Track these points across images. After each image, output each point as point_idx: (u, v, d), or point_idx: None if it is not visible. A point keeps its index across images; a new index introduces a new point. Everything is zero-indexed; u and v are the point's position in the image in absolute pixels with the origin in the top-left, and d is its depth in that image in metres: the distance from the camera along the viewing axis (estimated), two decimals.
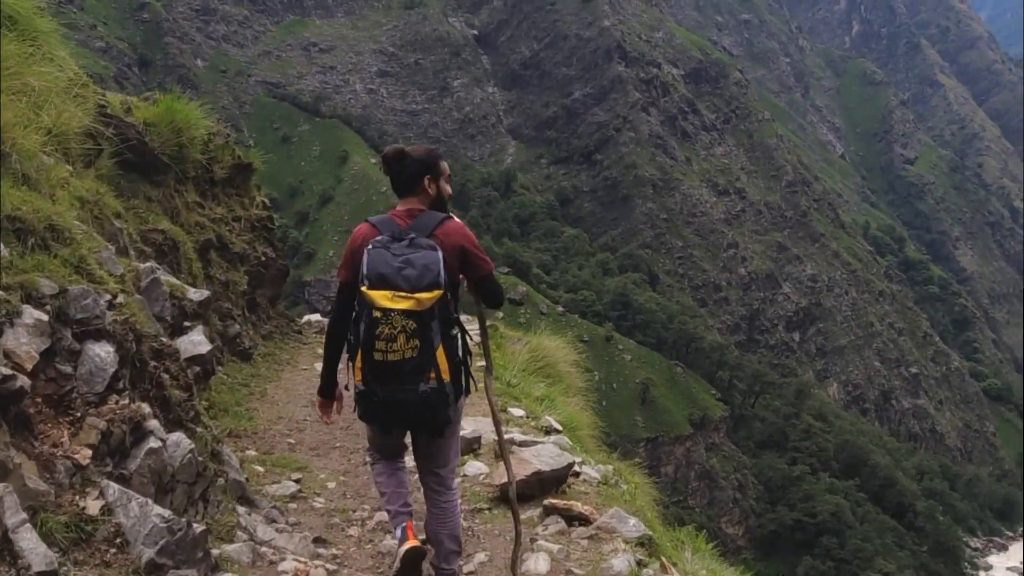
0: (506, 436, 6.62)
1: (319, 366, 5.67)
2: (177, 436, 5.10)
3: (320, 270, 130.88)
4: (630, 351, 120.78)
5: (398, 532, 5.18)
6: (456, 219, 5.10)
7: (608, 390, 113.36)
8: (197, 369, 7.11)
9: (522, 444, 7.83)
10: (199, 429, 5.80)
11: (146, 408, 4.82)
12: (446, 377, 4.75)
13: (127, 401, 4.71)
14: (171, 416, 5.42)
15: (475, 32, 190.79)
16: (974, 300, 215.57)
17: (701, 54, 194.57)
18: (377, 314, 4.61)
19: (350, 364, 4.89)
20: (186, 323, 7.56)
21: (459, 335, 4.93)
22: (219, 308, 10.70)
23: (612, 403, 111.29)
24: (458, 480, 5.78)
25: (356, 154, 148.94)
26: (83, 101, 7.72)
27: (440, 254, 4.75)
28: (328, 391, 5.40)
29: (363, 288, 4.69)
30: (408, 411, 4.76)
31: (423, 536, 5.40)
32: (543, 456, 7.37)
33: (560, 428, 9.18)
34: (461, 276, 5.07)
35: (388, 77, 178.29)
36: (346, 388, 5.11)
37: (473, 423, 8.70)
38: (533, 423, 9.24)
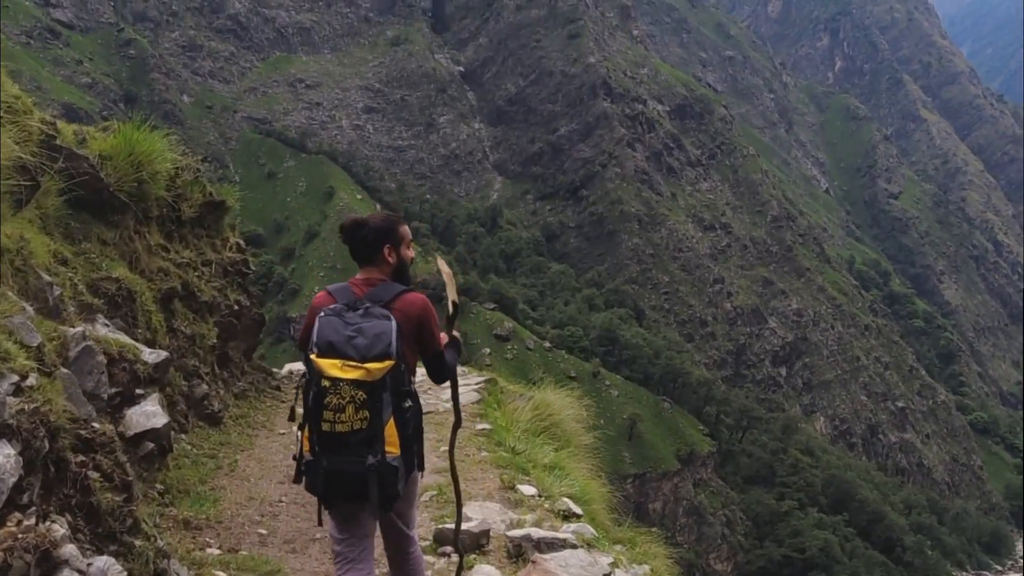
0: (522, 532, 7.16)
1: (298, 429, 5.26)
2: (103, 562, 4.08)
3: (305, 306, 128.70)
4: (617, 386, 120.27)
5: None
6: (417, 293, 5.03)
7: (596, 425, 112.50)
8: (151, 446, 6.56)
9: (543, 544, 6.82)
10: (138, 542, 4.79)
11: (59, 529, 3.84)
12: (395, 451, 4.59)
13: (33, 521, 3.76)
14: (100, 530, 4.45)
15: (461, 68, 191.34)
16: (959, 333, 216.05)
17: (686, 90, 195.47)
18: (326, 383, 4.47)
19: (299, 433, 4.73)
20: (139, 391, 6.80)
21: (412, 408, 4.76)
22: (184, 366, 9.73)
23: (599, 439, 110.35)
24: (417, 535, 5.43)
25: (342, 190, 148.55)
26: (21, 129, 6.76)
27: (393, 323, 4.64)
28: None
29: (312, 356, 4.56)
30: (352, 483, 4.57)
31: None
32: (572, 567, 6.46)
33: (579, 511, 8.11)
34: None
35: (374, 113, 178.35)
36: (294, 458, 4.87)
37: (479, 510, 7.68)
38: (547, 504, 8.25)
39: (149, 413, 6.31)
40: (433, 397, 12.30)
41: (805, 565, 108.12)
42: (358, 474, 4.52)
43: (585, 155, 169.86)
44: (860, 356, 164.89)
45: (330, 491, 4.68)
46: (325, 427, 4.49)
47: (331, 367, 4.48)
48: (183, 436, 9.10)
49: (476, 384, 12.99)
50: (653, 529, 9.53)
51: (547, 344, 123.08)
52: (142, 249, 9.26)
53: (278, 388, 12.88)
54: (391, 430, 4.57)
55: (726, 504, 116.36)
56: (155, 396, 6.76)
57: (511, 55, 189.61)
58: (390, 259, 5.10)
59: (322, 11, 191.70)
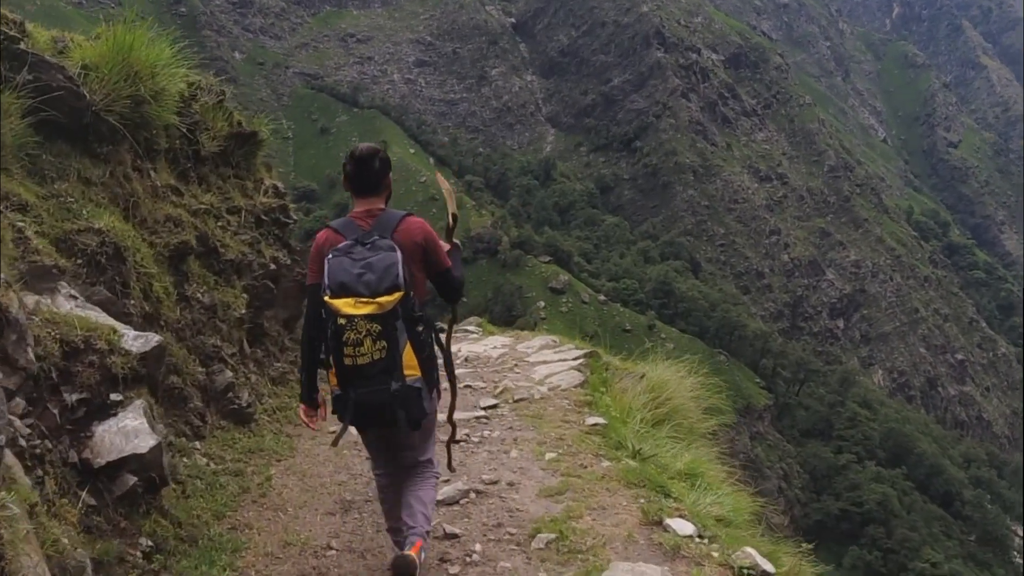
0: None
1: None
2: None
3: None
4: (672, 339, 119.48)
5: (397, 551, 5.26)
6: (415, 216, 5.22)
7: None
8: (132, 481, 4.90)
9: None
10: None
11: None
12: (416, 373, 4.88)
13: None
14: None
15: (512, 20, 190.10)
16: (1020, 284, 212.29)
17: (741, 39, 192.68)
18: (342, 321, 4.72)
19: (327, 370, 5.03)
20: (114, 395, 5.12)
21: (426, 330, 5.04)
22: (200, 346, 7.73)
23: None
24: (437, 470, 5.71)
25: (395, 144, 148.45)
26: None
27: (399, 255, 4.87)
28: (310, 398, 5.40)
29: (326, 297, 4.79)
30: (381, 410, 4.85)
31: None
32: None
33: (771, 570, 5.51)
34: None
35: (426, 67, 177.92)
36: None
37: None
38: (717, 553, 5.54)
39: (129, 431, 4.83)
40: (524, 379, 10.28)
41: (863, 519, 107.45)
42: (384, 402, 4.80)
43: (639, 106, 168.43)
44: (919, 308, 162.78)
45: (361, 420, 4.98)
46: (347, 361, 4.76)
47: (345, 306, 4.72)
48: (197, 446, 7.17)
49: (575, 360, 10.90)
50: None
51: (602, 297, 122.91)
52: (143, 192, 7.29)
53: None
54: (409, 355, 4.83)
55: (783, 457, 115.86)
56: (138, 404, 5.12)
57: (563, 6, 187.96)
58: (389, 187, 5.33)
59: None
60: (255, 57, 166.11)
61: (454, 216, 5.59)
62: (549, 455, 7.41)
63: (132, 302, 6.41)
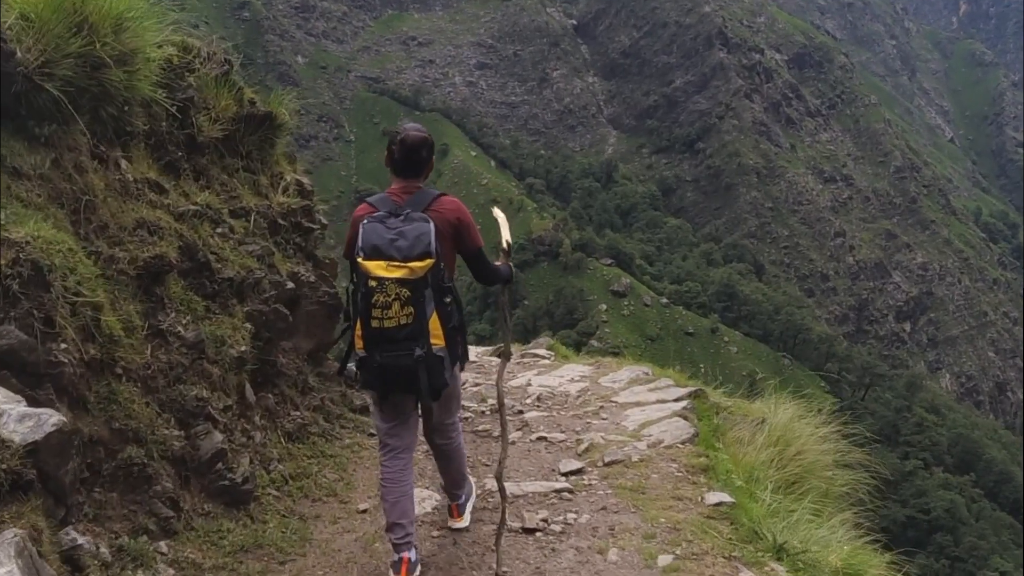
0: None
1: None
2: None
3: None
4: (736, 343, 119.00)
5: (394, 555, 5.23)
6: (451, 196, 5.29)
7: (713, 383, 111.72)
8: None
9: None
10: None
11: None
12: (440, 343, 4.95)
13: None
14: None
15: (573, 22, 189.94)
16: None
17: (804, 38, 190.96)
18: (372, 283, 4.81)
19: (350, 332, 5.13)
20: None
21: (453, 303, 5.11)
22: (178, 399, 5.63)
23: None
24: (459, 425, 5.89)
25: (456, 147, 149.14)
26: None
27: (432, 226, 4.92)
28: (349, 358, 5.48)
29: (359, 259, 4.89)
30: (404, 375, 4.91)
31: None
32: None
33: None
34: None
35: (487, 69, 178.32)
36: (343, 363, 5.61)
37: None
38: None
39: None
40: (614, 428, 7.95)
41: (930, 526, 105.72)
42: (408, 366, 4.86)
43: (701, 107, 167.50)
44: (988, 311, 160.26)
45: (384, 383, 5.04)
46: (374, 324, 4.83)
47: (376, 268, 4.81)
48: (163, 548, 5.04)
49: (677, 401, 8.65)
50: None
51: (664, 300, 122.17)
52: (104, 188, 5.56)
53: (365, 409, 8.30)
54: (435, 324, 4.91)
55: (848, 464, 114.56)
56: (8, 540, 3.25)
57: (624, 7, 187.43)
58: (431, 170, 5.45)
59: None
60: (317, 61, 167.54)
61: (508, 243, 5.81)
62: (663, 558, 5.34)
63: (62, 345, 4.54)
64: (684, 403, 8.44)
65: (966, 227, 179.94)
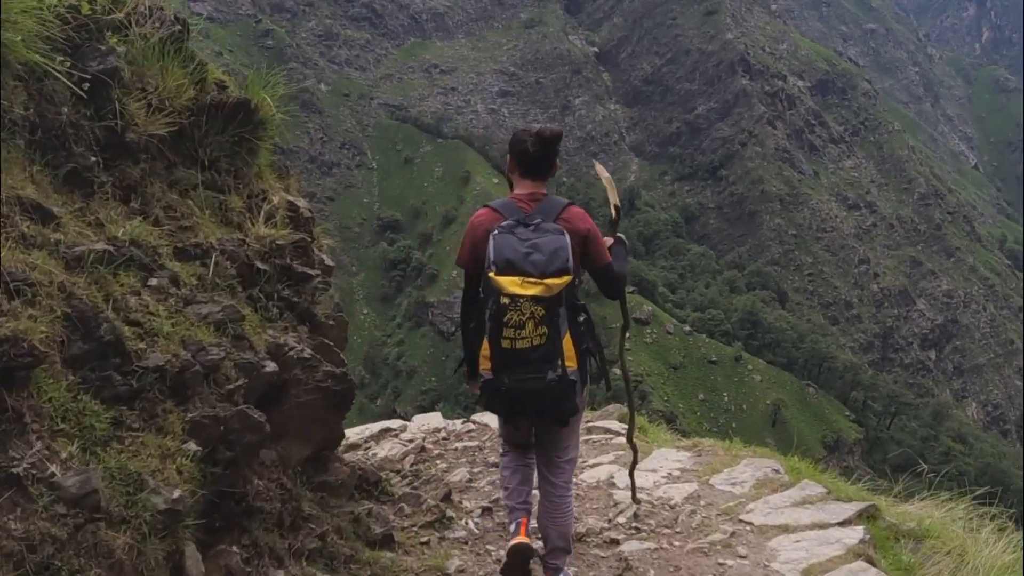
0: None
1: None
2: None
3: (444, 291, 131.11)
4: (760, 371, 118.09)
5: (512, 527, 5.10)
6: (578, 206, 4.94)
7: (738, 411, 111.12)
8: None
9: None
10: None
11: None
12: (573, 365, 4.58)
13: None
14: None
15: (595, 49, 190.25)
16: None
17: (827, 65, 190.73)
18: (505, 300, 4.44)
19: (474, 351, 4.78)
20: None
21: (586, 322, 4.79)
22: None
23: (742, 425, 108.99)
24: (574, 481, 5.49)
25: (478, 174, 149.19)
26: None
27: (567, 238, 4.56)
28: (474, 373, 4.96)
29: (490, 274, 4.52)
30: (534, 400, 4.57)
31: (539, 538, 5.27)
32: None
33: None
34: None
35: (509, 97, 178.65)
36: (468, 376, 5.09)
37: None
38: None
39: None
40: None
41: None
42: (539, 390, 4.50)
43: (724, 134, 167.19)
44: (1014, 339, 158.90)
45: (512, 408, 4.72)
46: (505, 344, 4.47)
47: (511, 284, 4.44)
48: None
49: (845, 527, 5.90)
50: None
51: (687, 328, 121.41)
52: None
53: (388, 540, 5.61)
54: (568, 344, 4.55)
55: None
56: None
57: (646, 34, 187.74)
58: (555, 172, 5.09)
59: None
60: (340, 88, 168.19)
61: (616, 208, 5.42)
62: None
63: None
64: (859, 532, 5.72)
65: (991, 254, 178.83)
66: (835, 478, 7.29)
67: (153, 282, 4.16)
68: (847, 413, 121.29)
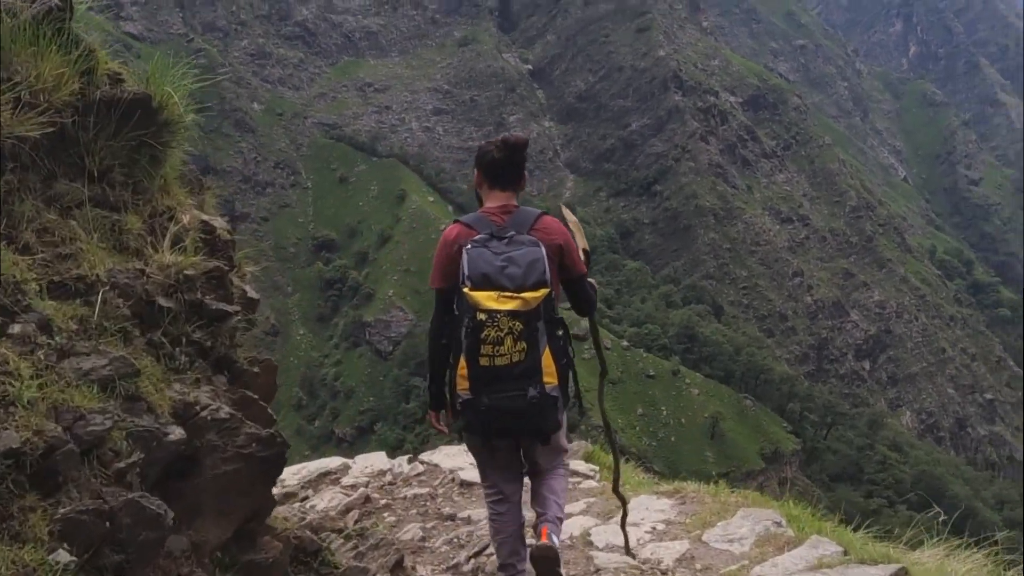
0: None
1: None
2: None
3: (381, 310, 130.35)
4: (697, 385, 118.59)
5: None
6: (551, 215, 4.86)
7: (677, 425, 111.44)
8: None
9: None
10: None
11: None
12: (554, 381, 4.45)
13: None
14: None
15: (530, 67, 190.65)
16: None
17: (758, 81, 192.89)
18: (482, 316, 4.31)
19: (450, 373, 4.59)
20: None
21: (565, 336, 4.64)
22: None
23: (681, 438, 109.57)
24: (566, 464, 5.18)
25: (414, 193, 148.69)
26: None
27: (543, 250, 4.38)
28: (440, 403, 4.90)
29: (465, 289, 4.38)
30: (516, 418, 4.41)
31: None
32: None
33: None
34: None
35: (444, 115, 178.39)
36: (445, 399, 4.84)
37: None
38: None
39: None
40: None
41: None
42: (520, 408, 4.36)
43: (658, 150, 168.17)
44: (946, 348, 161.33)
45: (493, 428, 4.52)
46: (483, 362, 4.32)
47: (487, 299, 4.31)
48: None
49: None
50: None
51: (625, 343, 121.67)
52: None
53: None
54: (548, 360, 4.42)
55: (813, 503, 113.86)
56: None
57: (580, 51, 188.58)
58: (525, 183, 4.96)
59: (389, 14, 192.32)
60: (274, 108, 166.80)
61: (585, 251, 5.18)
62: None
63: None
64: None
65: (922, 265, 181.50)
66: (843, 528, 6.25)
67: (15, 329, 3.14)
68: (784, 424, 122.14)
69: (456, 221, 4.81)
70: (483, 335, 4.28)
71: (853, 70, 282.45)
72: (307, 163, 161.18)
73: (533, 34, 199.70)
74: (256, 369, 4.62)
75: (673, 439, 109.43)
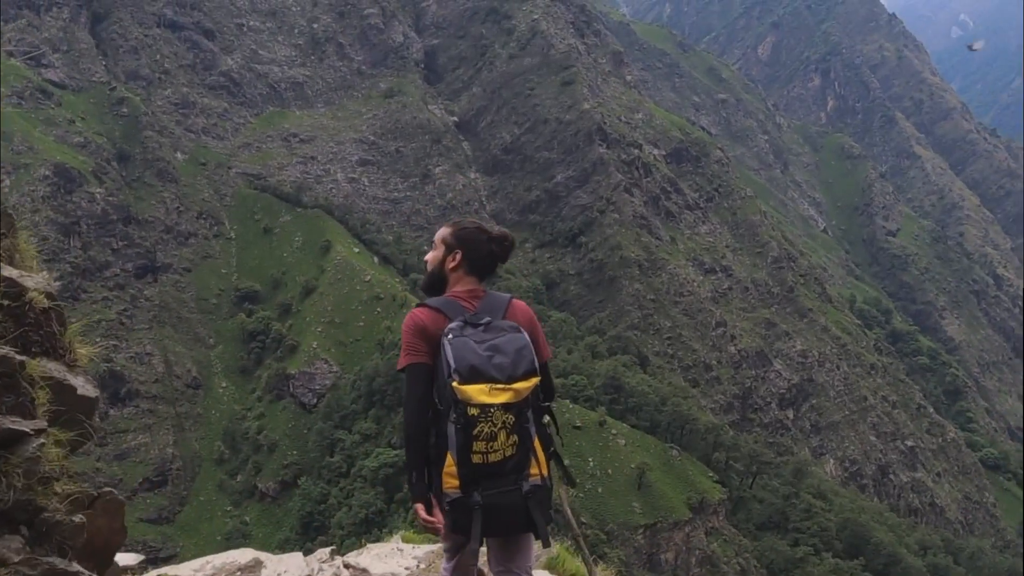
0: None
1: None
2: None
3: (304, 362, 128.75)
4: (624, 435, 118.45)
5: None
6: (519, 299, 4.67)
7: (604, 476, 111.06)
8: None
9: None
10: None
11: None
12: (545, 471, 4.37)
13: None
14: None
15: (455, 119, 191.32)
16: (964, 369, 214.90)
17: (681, 134, 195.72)
18: (474, 411, 4.10)
19: (432, 470, 4.32)
20: None
21: (551, 423, 4.56)
22: None
23: (608, 490, 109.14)
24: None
25: (339, 244, 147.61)
26: None
27: (526, 335, 4.23)
28: (426, 495, 4.54)
29: (454, 384, 4.14)
30: (511, 514, 4.24)
31: None
32: None
33: None
34: None
35: (369, 165, 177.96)
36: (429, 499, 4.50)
37: None
38: None
39: None
40: None
41: None
42: (514, 504, 4.21)
43: (583, 201, 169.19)
44: (867, 396, 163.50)
45: (487, 526, 4.26)
46: (476, 459, 4.13)
47: (479, 393, 4.09)
48: None
49: None
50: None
51: None
52: None
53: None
54: (538, 450, 4.32)
55: (739, 552, 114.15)
56: None
57: (505, 104, 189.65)
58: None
59: (315, 65, 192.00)
60: (197, 157, 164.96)
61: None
62: None
63: None
64: None
65: (842, 314, 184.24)
66: None
67: None
68: (710, 474, 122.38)
69: (422, 305, 4.56)
70: (476, 431, 4.09)
71: (773, 124, 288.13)
72: (231, 213, 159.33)
73: (459, 86, 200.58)
74: (77, 519, 3.07)
75: (600, 490, 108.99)
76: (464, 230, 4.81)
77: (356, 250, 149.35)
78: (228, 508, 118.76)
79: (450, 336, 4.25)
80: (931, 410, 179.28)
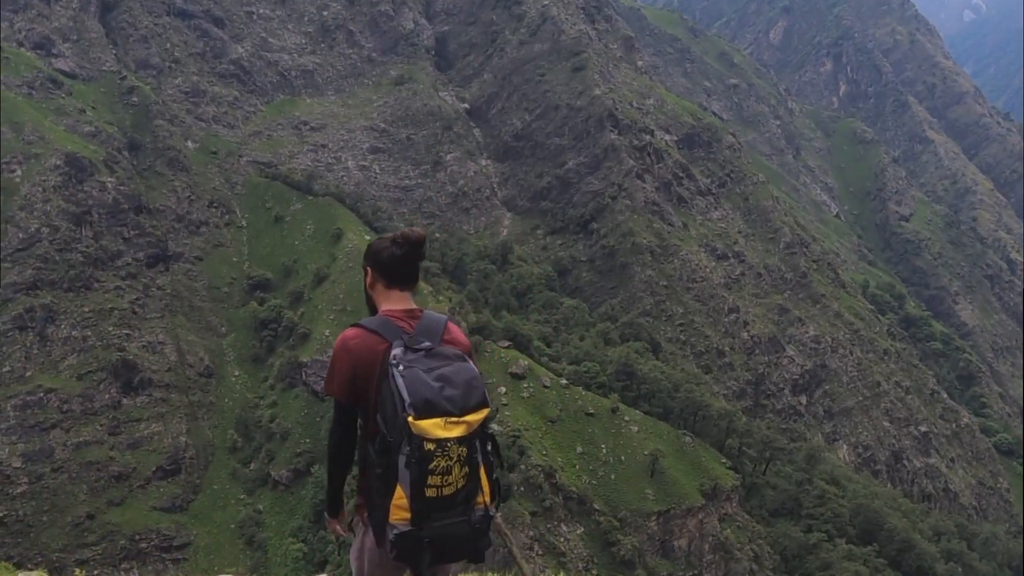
0: None
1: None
2: None
3: (316, 350, 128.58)
4: (637, 422, 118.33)
5: None
6: (452, 321, 4.56)
7: (616, 463, 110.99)
8: None
9: None
10: None
11: None
12: (488, 499, 4.32)
13: None
14: None
15: (466, 106, 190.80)
16: (978, 354, 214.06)
17: (693, 119, 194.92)
18: (430, 446, 4.02)
19: (371, 502, 4.21)
20: None
21: (494, 450, 4.40)
22: None
23: (621, 476, 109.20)
24: None
25: (350, 231, 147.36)
26: None
27: (473, 365, 4.18)
28: (337, 510, 4.76)
29: (410, 419, 4.04)
30: (459, 544, 4.21)
31: None
32: None
33: None
34: None
35: (380, 153, 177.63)
36: (350, 529, 4.53)
37: None
38: None
39: None
40: None
41: None
42: (464, 535, 4.17)
43: (594, 188, 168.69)
44: (880, 381, 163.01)
45: (434, 556, 4.20)
46: (430, 493, 4.07)
47: (434, 427, 4.02)
48: None
49: None
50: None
51: (564, 381, 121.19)
52: None
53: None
54: (484, 479, 4.26)
55: (753, 539, 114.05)
56: None
57: (516, 90, 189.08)
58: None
59: (325, 53, 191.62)
60: (208, 146, 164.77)
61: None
62: None
63: None
64: None
65: (855, 300, 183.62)
66: None
67: None
68: (723, 460, 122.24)
69: (356, 325, 4.43)
70: (432, 466, 4.02)
71: (785, 109, 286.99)
72: (242, 202, 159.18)
73: (469, 73, 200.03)
74: None
75: (613, 477, 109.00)
76: (369, 247, 4.73)
77: (367, 238, 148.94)
78: (241, 496, 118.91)
79: (400, 368, 4.14)
80: (944, 395, 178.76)
